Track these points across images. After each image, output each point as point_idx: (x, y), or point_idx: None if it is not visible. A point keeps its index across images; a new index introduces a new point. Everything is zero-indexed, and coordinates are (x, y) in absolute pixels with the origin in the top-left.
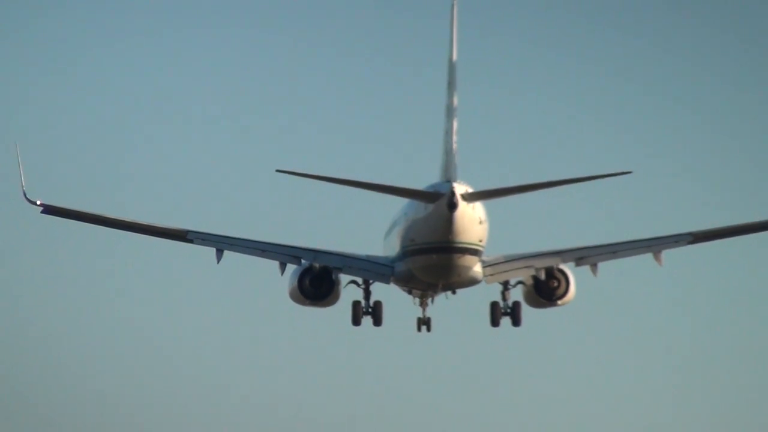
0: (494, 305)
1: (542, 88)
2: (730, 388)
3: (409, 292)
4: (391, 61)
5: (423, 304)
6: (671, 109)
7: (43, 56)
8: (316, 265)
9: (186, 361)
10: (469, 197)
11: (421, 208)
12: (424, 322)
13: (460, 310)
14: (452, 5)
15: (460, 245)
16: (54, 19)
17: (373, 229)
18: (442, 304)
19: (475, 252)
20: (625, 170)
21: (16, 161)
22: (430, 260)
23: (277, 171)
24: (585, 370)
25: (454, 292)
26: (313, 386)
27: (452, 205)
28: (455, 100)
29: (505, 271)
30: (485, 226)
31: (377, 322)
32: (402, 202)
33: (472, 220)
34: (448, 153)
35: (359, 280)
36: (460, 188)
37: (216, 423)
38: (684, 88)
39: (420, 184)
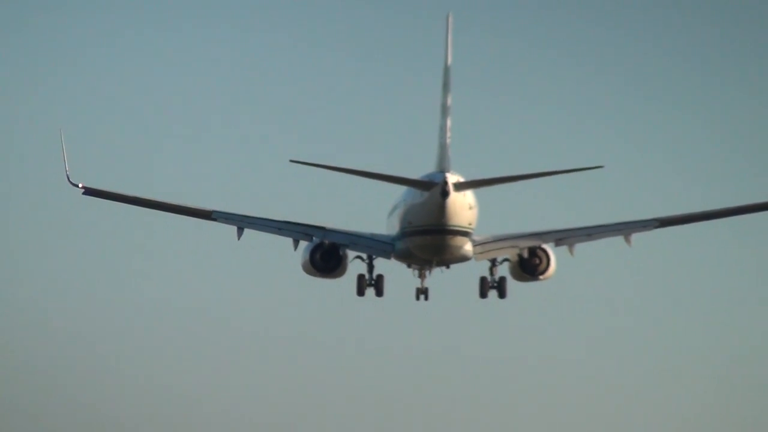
0: (483, 279)
1: (527, 89)
2: (691, 347)
3: (408, 266)
4: (393, 65)
5: (421, 276)
6: (644, 106)
7: (79, 55)
8: (326, 241)
9: (211, 322)
10: (459, 186)
11: (418, 195)
12: (422, 292)
13: (452, 284)
14: (447, 16)
15: (452, 228)
16: (85, 16)
17: (376, 211)
18: (437, 278)
19: (465, 233)
20: (598, 165)
21: (60, 149)
22: (425, 240)
23: (291, 161)
24: (563, 338)
25: (447, 267)
26: (320, 349)
27: (445, 193)
28: (449, 100)
29: (492, 250)
30: (475, 211)
31: (379, 293)
32: (402, 187)
33: (462, 206)
34: (442, 147)
35: (364, 255)
36: (452, 178)
37: (229, 372)
38: (657, 87)
39: (417, 172)
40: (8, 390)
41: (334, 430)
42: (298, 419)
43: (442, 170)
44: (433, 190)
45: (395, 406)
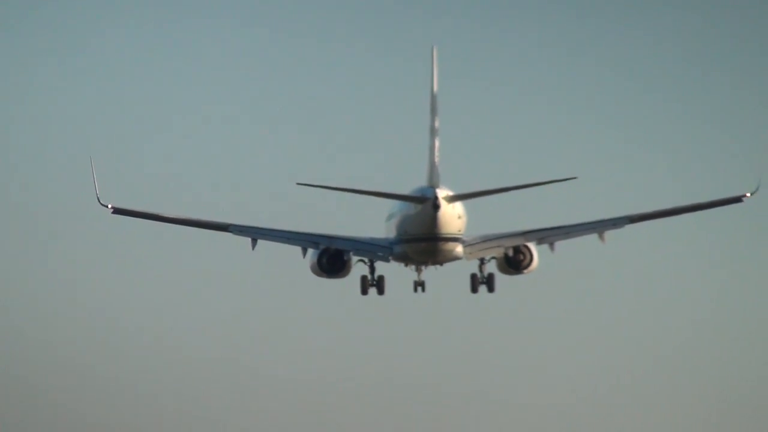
0: (473, 276)
1: (507, 108)
2: (664, 329)
3: (406, 265)
4: (386, 87)
5: (418, 270)
6: (611, 117)
7: (107, 87)
8: (331, 247)
9: (232, 317)
10: (449, 199)
11: (413, 207)
12: (419, 284)
13: (446, 281)
14: (432, 49)
15: (443, 236)
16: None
17: (374, 218)
18: (431, 275)
19: (455, 239)
20: (572, 176)
21: (91, 174)
22: (420, 246)
23: (298, 184)
24: (546, 325)
25: (441, 264)
26: (329, 341)
27: (436, 207)
28: (437, 123)
29: (481, 250)
30: (463, 219)
31: (381, 292)
32: None
33: (452, 217)
34: (432, 164)
35: (366, 258)
36: (441, 193)
37: (248, 355)
38: (621, 102)
39: (410, 185)
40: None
41: (341, 405)
42: (311, 398)
43: (433, 186)
44: (425, 204)
45: (397, 390)
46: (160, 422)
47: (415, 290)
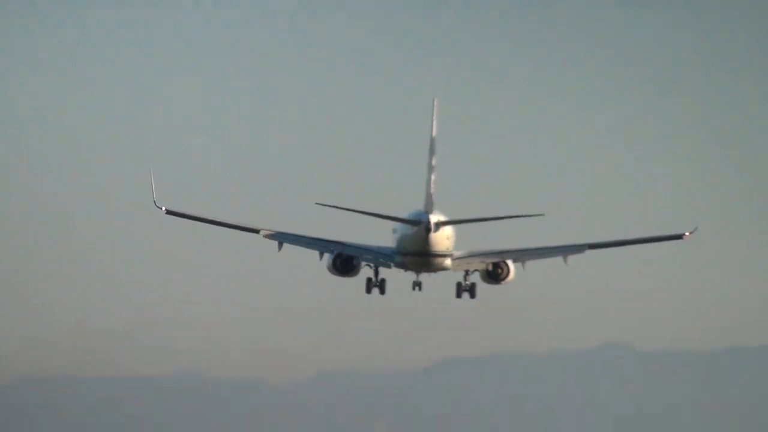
0: (459, 284)
1: (492, 151)
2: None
3: (405, 271)
4: (391, 125)
5: (416, 274)
6: (581, 160)
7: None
8: (344, 253)
9: (263, 305)
10: (439, 224)
11: (410, 228)
12: (417, 284)
13: (435, 288)
14: (433, 101)
15: (434, 253)
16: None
17: (382, 229)
18: (424, 282)
19: (445, 256)
20: (540, 213)
21: (149, 180)
22: (416, 259)
23: (316, 204)
24: (517, 326)
25: (435, 272)
26: (338, 327)
27: (428, 230)
28: (434, 161)
29: (467, 263)
30: (452, 239)
31: (382, 292)
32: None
33: (442, 238)
34: (428, 194)
35: (372, 263)
36: (434, 218)
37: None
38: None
39: (410, 207)
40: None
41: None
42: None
43: (427, 212)
44: (419, 226)
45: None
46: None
47: (413, 288)
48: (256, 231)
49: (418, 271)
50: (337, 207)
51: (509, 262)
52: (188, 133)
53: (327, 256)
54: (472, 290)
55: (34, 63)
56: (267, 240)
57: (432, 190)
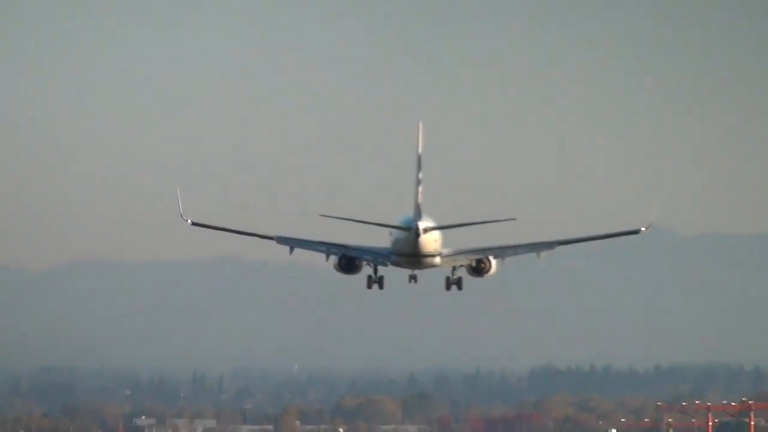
0: (447, 278)
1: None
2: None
3: (400, 267)
4: (384, 146)
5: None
6: (553, 167)
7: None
8: (347, 254)
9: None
10: (427, 230)
11: (402, 233)
12: (413, 277)
13: (426, 281)
14: (418, 125)
15: (424, 254)
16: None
17: (377, 234)
18: (417, 276)
19: (433, 255)
20: (512, 217)
21: (176, 196)
22: (408, 259)
23: (320, 215)
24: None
25: (429, 267)
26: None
27: (417, 235)
28: (420, 175)
29: (454, 260)
30: (440, 241)
31: (381, 287)
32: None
33: (430, 241)
34: (416, 204)
35: (371, 263)
36: (422, 224)
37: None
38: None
39: (402, 213)
40: None
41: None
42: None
43: (416, 219)
44: (410, 231)
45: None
46: None
47: (410, 281)
48: (271, 237)
49: (411, 269)
50: (338, 217)
51: (491, 259)
52: (203, 156)
53: (333, 258)
54: (459, 283)
55: (61, 78)
56: (279, 245)
57: (420, 200)
